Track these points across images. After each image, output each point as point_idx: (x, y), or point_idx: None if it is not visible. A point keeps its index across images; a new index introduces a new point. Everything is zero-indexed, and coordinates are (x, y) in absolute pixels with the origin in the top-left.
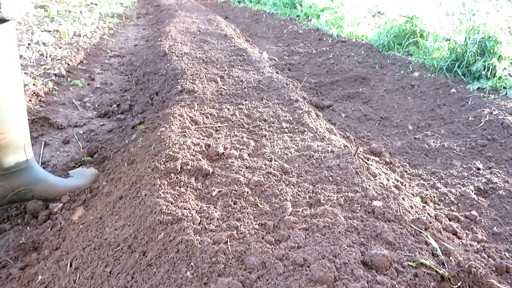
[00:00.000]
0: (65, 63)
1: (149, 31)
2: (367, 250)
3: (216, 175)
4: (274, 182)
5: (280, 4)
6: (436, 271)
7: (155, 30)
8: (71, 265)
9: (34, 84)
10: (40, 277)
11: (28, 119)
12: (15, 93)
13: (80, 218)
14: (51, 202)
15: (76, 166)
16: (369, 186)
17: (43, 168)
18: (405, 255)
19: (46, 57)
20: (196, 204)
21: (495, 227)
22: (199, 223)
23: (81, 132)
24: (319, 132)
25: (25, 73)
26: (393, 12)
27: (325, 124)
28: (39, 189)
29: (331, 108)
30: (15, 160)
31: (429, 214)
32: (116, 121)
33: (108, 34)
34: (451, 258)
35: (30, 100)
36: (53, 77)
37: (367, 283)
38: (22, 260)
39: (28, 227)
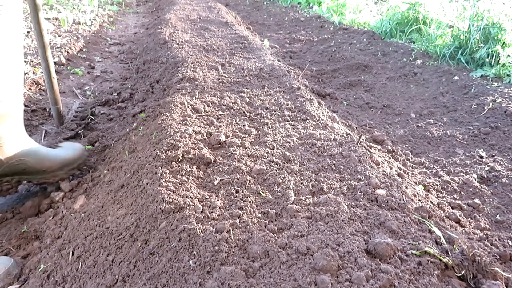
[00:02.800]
0: (65, 51)
1: (149, 18)
2: (370, 239)
3: (218, 164)
4: (276, 170)
5: None
6: (440, 260)
7: (155, 17)
8: (73, 254)
9: (33, 73)
10: (42, 265)
11: (29, 108)
12: (14, 62)
13: (82, 207)
14: (41, 174)
15: None
16: (372, 174)
17: None
18: (408, 244)
19: None
20: (198, 193)
21: (498, 215)
22: (201, 211)
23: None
24: (322, 120)
25: (25, 61)
26: None
27: (327, 112)
28: (31, 161)
29: (333, 96)
30: (9, 131)
31: (432, 203)
32: (117, 109)
33: (107, 22)
34: (454, 246)
35: (30, 89)
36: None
37: (371, 271)
38: (25, 249)
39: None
